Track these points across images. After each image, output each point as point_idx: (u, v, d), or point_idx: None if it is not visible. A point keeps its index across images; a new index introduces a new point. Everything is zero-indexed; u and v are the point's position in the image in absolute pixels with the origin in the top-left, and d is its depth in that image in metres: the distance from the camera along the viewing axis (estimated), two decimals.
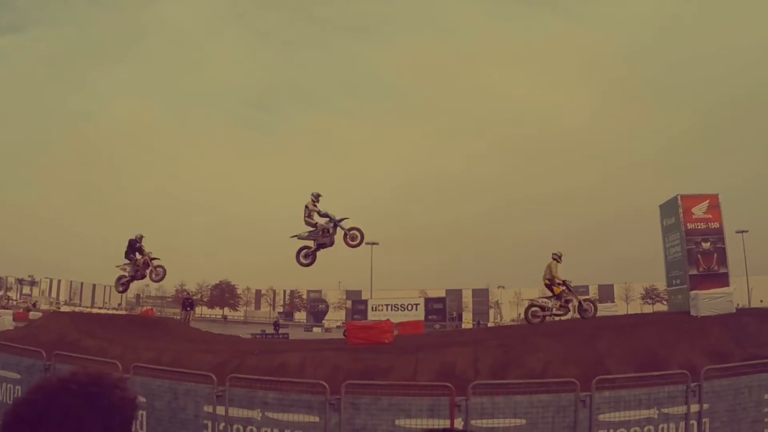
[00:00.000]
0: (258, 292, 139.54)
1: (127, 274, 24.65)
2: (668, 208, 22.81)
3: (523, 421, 11.93)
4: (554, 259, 22.99)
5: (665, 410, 12.27)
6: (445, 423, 11.70)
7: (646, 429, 12.15)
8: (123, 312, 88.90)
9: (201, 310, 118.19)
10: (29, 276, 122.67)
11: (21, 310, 59.63)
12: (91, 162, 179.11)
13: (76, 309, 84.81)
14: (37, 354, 15.39)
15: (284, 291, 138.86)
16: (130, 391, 1.82)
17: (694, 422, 12.33)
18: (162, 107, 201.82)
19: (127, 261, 24.47)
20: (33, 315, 49.36)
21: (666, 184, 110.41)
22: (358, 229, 21.97)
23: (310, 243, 22.28)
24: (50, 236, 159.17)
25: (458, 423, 11.84)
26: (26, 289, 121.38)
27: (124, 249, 24.43)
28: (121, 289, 25.69)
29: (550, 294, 22.67)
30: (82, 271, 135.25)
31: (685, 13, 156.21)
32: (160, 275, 24.85)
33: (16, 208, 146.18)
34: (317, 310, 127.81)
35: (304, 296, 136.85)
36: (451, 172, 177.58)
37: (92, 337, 19.93)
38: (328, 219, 21.94)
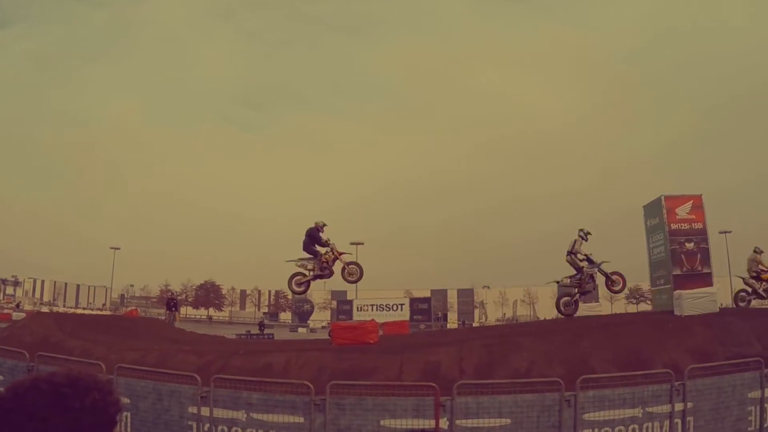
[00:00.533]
0: (243, 293, 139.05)
1: (307, 272, 21.08)
2: (652, 209, 22.94)
3: (508, 421, 11.96)
4: (756, 252, 23.08)
5: (650, 409, 12.34)
6: (430, 423, 11.71)
7: (630, 428, 12.21)
8: (107, 313, 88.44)
9: (186, 311, 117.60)
10: (12, 276, 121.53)
11: None
12: (76, 161, 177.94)
13: (58, 309, 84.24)
14: (20, 355, 15.27)
15: (269, 291, 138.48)
16: (112, 395, 1.78)
17: (678, 421, 12.41)
18: (149, 106, 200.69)
19: (309, 255, 20.97)
20: (16, 315, 49.02)
21: (652, 185, 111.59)
22: (621, 274, 21.29)
23: (572, 290, 21.54)
24: (34, 236, 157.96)
25: (443, 423, 11.85)
26: (9, 290, 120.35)
27: (302, 240, 21.05)
28: (300, 289, 21.68)
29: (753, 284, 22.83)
30: (66, 272, 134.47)
31: (682, 14, 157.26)
32: (356, 275, 21.10)
33: (0, 207, 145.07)
34: (302, 310, 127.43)
35: (289, 296, 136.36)
36: (439, 173, 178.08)
37: (76, 338, 19.79)
38: (588, 262, 21.26)
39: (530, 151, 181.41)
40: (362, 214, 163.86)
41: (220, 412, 12.77)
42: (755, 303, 23.61)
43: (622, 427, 12.19)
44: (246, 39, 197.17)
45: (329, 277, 21.47)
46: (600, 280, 21.43)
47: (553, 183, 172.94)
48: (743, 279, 23.31)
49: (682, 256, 21.50)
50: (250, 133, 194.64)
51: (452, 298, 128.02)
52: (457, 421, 11.90)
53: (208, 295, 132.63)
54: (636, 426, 12.23)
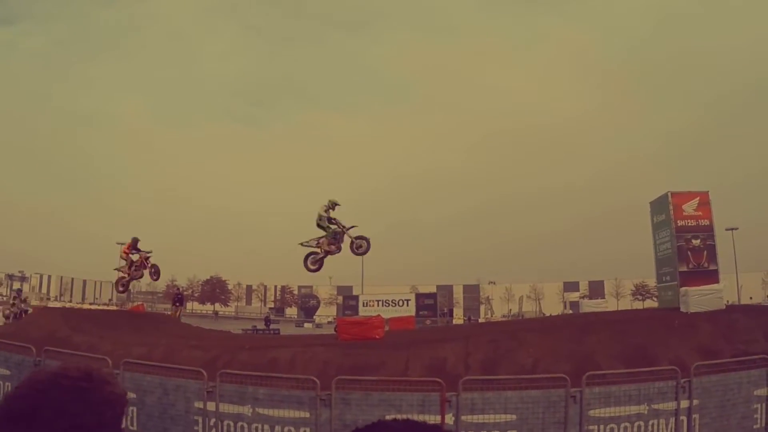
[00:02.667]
0: (249, 288, 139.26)
1: None
2: (658, 205, 22.89)
3: (514, 417, 11.96)
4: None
5: (655, 406, 12.33)
6: (435, 419, 11.72)
7: (636, 425, 12.20)
8: (113, 308, 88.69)
9: (192, 306, 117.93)
10: (19, 272, 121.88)
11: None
12: (81, 157, 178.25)
13: (64, 304, 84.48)
14: (27, 350, 15.33)
15: (275, 286, 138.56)
16: (119, 387, 1.80)
17: (683, 418, 12.39)
18: (154, 103, 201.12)
19: None
20: None
21: (656, 181, 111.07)
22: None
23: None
24: (40, 232, 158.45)
25: (449, 419, 11.86)
26: (16, 285, 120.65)
27: None
28: None
29: None
30: (72, 267, 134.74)
31: (679, 11, 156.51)
32: None
33: (7, 203, 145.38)
34: (308, 305, 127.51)
35: (295, 292, 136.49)
36: (443, 168, 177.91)
37: (82, 333, 19.85)
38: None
39: (535, 146, 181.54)
40: (367, 210, 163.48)
41: (226, 407, 12.80)
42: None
43: (627, 424, 12.18)
44: (250, 35, 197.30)
45: None
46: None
47: (558, 178, 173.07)
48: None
49: (689, 252, 21.46)
50: (254, 128, 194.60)
51: (458, 294, 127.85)
52: (463, 417, 11.90)
53: (214, 290, 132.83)
54: (642, 423, 12.22)
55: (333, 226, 21.91)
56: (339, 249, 22.07)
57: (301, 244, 22.46)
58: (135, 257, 25.88)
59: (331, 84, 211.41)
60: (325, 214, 21.83)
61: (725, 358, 14.12)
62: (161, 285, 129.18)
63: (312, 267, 22.54)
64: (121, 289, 26.97)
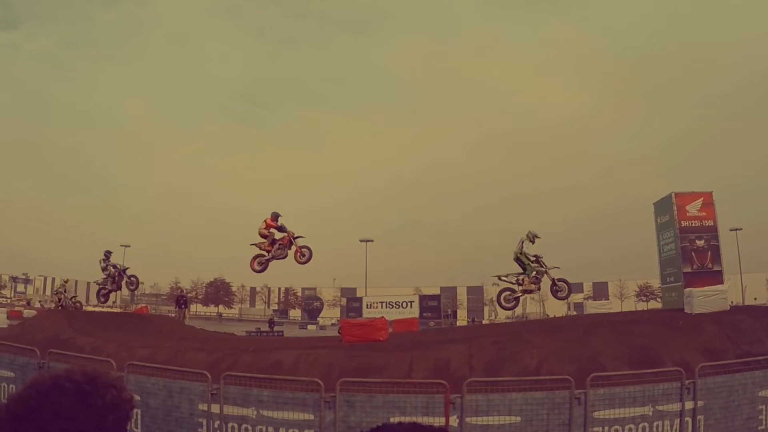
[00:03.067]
0: (253, 290, 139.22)
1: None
2: (662, 206, 22.84)
3: (518, 419, 11.94)
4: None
5: (660, 407, 12.30)
6: (440, 421, 11.70)
7: (640, 426, 12.17)
8: (118, 310, 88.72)
9: (196, 308, 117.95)
10: (23, 274, 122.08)
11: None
12: (85, 158, 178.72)
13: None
14: (31, 352, 15.34)
15: (279, 288, 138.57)
16: (125, 391, 1.81)
17: (688, 419, 12.36)
18: (157, 104, 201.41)
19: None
20: (28, 313, 49.28)
21: (660, 181, 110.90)
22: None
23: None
24: (44, 234, 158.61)
25: (453, 421, 11.85)
26: (20, 287, 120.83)
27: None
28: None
29: None
30: (76, 269, 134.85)
31: (680, 11, 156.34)
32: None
33: (10, 205, 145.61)
34: (312, 307, 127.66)
35: (299, 293, 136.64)
36: (446, 169, 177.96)
37: (86, 335, 19.87)
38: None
39: (537, 146, 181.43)
40: (370, 211, 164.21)
41: (230, 409, 12.80)
42: None
43: (632, 426, 12.15)
44: (251, 36, 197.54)
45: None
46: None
47: (560, 178, 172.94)
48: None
49: (693, 253, 21.42)
50: (257, 129, 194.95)
51: (462, 296, 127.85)
52: (467, 419, 11.89)
53: (218, 292, 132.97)
54: (646, 424, 12.19)
55: (534, 264, 21.07)
56: (539, 289, 21.55)
57: (499, 278, 21.67)
58: (279, 235, 22.69)
59: (333, 84, 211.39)
60: (526, 250, 21.02)
61: (730, 359, 14.09)
62: (165, 287, 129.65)
63: (507, 305, 21.89)
64: (258, 268, 23.15)
